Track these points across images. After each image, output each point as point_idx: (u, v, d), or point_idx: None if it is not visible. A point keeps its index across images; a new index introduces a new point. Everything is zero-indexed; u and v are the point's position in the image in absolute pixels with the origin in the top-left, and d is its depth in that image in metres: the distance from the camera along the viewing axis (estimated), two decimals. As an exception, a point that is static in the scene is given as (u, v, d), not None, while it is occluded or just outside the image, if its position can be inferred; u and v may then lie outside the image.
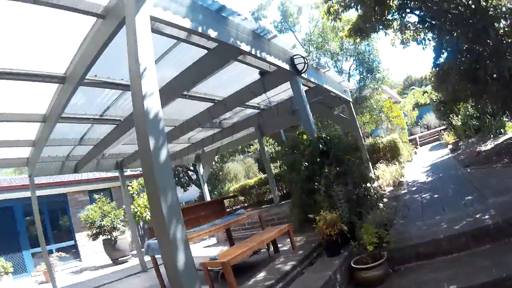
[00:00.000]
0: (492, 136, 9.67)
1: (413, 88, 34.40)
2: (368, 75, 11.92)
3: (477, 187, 5.30)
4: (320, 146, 4.44)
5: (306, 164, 4.43)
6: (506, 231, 3.30)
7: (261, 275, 3.64)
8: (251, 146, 20.54)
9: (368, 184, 4.72)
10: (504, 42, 6.13)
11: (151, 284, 5.21)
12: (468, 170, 6.97)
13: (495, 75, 6.01)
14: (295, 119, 8.22)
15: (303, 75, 5.33)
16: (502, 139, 8.76)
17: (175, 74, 4.66)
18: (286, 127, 10.76)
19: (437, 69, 7.75)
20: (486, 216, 3.67)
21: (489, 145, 8.77)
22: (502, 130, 9.70)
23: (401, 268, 3.60)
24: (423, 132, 20.17)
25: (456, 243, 3.47)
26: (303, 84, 5.69)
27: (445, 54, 7.37)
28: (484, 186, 5.20)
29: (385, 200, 6.24)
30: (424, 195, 6.19)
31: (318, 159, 4.41)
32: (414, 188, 7.19)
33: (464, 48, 6.21)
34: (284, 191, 10.72)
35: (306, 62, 5.13)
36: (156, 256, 4.38)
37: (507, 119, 9.77)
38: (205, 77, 4.95)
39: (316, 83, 6.22)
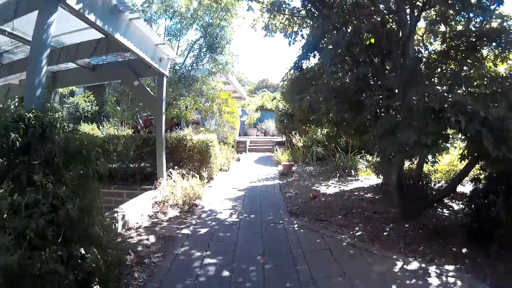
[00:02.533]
0: (337, 174, 8.11)
1: (264, 91, 35.39)
2: (208, 53, 8.87)
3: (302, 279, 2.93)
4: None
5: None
6: None
7: None
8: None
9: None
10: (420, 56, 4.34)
11: None
12: (296, 226, 4.55)
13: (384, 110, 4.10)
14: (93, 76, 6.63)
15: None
16: (351, 185, 7.23)
17: None
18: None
19: (298, 72, 5.48)
20: None
21: (332, 187, 7.12)
22: (352, 171, 8.23)
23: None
24: (258, 137, 19.62)
25: None
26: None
27: (317, 56, 5.13)
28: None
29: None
30: (207, 259, 3.44)
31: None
32: (202, 230, 4.39)
33: (352, 52, 3.97)
34: None
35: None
36: None
37: (362, 160, 8.52)
38: None
39: (101, 28, 3.78)
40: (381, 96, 3.93)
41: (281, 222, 4.78)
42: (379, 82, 4.20)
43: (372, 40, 4.43)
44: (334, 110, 4.13)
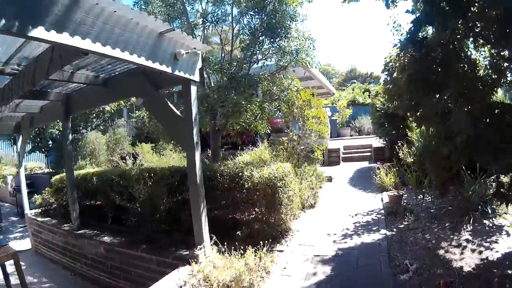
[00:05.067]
0: (470, 218, 4.48)
1: (354, 82, 31.30)
2: (266, 38, 6.34)
3: None
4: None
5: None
6: None
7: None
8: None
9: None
10: None
11: None
12: None
13: None
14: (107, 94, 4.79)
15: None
16: (499, 245, 3.90)
17: None
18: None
19: (415, 50, 2.99)
20: None
21: (469, 251, 3.86)
22: (488, 209, 4.60)
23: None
24: (353, 138, 16.47)
25: None
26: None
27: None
28: None
29: None
30: None
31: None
32: None
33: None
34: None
35: None
36: None
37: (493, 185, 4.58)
38: None
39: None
40: None
41: None
42: None
43: None
44: None
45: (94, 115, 12.10)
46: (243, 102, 6.05)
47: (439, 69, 3.33)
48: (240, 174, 4.65)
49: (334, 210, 6.21)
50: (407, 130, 6.83)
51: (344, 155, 12.26)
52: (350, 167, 10.74)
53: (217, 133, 7.16)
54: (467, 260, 3.73)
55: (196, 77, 3.73)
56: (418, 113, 3.85)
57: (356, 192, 7.46)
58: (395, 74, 4.41)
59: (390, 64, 4.79)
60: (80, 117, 11.21)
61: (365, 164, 10.94)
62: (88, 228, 5.27)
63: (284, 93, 6.77)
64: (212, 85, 6.70)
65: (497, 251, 3.78)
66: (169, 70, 3.33)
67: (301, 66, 6.65)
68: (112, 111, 12.29)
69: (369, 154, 11.69)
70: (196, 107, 3.73)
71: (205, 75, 6.70)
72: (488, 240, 4.03)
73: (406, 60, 3.94)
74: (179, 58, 3.41)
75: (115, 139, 12.12)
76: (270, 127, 8.62)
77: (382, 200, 6.19)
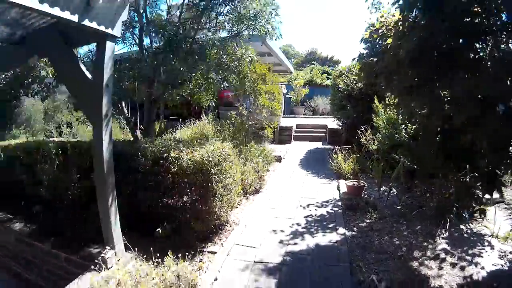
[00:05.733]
0: (447, 223, 3.62)
1: (313, 63, 30.81)
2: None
3: None
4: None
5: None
6: None
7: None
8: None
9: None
10: None
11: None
12: None
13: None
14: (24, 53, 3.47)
15: None
16: (482, 259, 3.12)
17: None
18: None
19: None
20: None
21: (449, 267, 2.99)
22: (466, 214, 3.74)
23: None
24: (307, 117, 15.70)
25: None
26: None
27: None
28: None
29: None
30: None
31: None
32: None
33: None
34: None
35: None
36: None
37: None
38: None
39: None
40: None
41: None
42: None
43: None
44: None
45: (30, 80, 9.81)
46: (182, 69, 4.67)
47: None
48: (165, 155, 3.60)
49: (283, 198, 5.09)
50: (373, 114, 5.89)
51: (296, 133, 11.32)
52: (302, 147, 9.81)
53: (153, 104, 5.58)
54: (447, 277, 2.85)
55: (116, 31, 2.73)
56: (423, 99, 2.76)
57: (308, 176, 6.44)
58: (389, 41, 3.23)
59: (380, 31, 3.57)
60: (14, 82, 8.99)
61: (319, 145, 10.10)
62: (3, 209, 4.38)
63: (235, 63, 5.37)
64: (154, 49, 5.14)
65: (482, 267, 2.95)
66: (74, 18, 2.28)
67: (260, 34, 5.23)
68: (48, 75, 10.00)
69: (323, 135, 10.89)
70: (111, 69, 2.80)
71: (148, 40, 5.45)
72: (470, 252, 3.20)
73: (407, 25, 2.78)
74: (92, 5, 2.37)
75: (54, 106, 10.92)
76: (217, 100, 7.38)
77: (338, 189, 5.23)
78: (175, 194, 3.61)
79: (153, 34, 5.47)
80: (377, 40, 3.43)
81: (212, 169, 3.45)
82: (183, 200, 3.61)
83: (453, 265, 3.02)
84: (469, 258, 3.11)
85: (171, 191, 3.62)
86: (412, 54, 2.59)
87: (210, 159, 3.46)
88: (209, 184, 3.47)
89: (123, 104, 5.63)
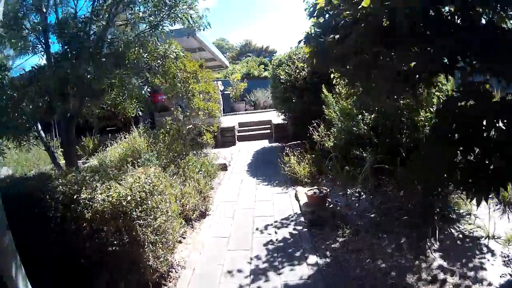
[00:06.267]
0: (435, 230, 3.13)
1: (248, 56, 30.29)
2: None
3: None
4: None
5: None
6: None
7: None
8: None
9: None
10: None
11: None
12: None
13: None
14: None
15: None
16: (489, 277, 2.64)
17: None
18: None
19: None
20: None
21: None
22: (454, 215, 3.43)
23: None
24: (249, 113, 15.02)
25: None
26: None
27: None
28: None
29: None
30: None
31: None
32: None
33: None
34: None
35: None
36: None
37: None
38: None
39: None
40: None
41: None
42: None
43: None
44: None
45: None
46: (90, 77, 3.45)
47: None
48: (75, 196, 2.57)
49: (234, 221, 4.24)
50: (323, 106, 5.35)
51: (240, 133, 10.50)
52: (248, 148, 9.05)
53: (70, 122, 4.17)
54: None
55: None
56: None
57: (260, 185, 5.67)
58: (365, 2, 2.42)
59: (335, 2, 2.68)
60: None
61: (265, 143, 9.45)
62: None
63: (158, 61, 4.32)
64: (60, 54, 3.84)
65: (489, 284, 2.51)
66: None
67: (183, 23, 4.23)
68: None
69: (268, 131, 10.29)
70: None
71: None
72: (471, 265, 2.75)
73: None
74: None
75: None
76: (151, 105, 6.20)
77: (297, 199, 4.58)
78: (98, 247, 2.52)
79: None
80: (341, 6, 2.53)
81: (134, 212, 2.46)
82: (109, 254, 2.54)
83: (457, 286, 2.52)
84: (471, 274, 2.65)
85: (93, 241, 2.52)
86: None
87: (129, 198, 2.47)
88: (133, 233, 2.48)
89: (39, 127, 4.16)
